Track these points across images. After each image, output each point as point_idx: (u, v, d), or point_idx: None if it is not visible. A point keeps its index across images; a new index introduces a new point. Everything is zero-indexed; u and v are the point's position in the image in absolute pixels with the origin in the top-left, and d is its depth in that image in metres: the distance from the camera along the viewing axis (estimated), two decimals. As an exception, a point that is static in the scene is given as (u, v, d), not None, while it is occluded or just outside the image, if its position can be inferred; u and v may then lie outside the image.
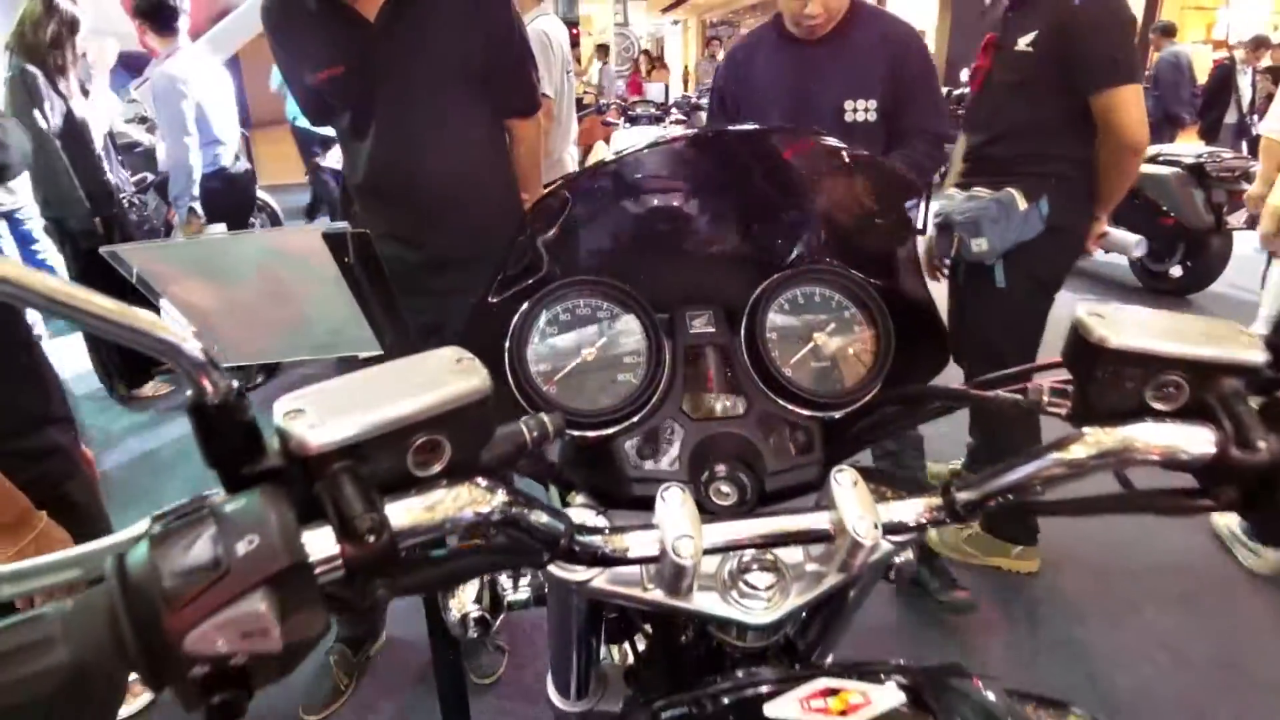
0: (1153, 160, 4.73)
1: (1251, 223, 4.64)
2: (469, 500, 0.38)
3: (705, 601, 0.48)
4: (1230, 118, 7.78)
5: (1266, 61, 7.85)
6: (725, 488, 0.55)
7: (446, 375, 0.39)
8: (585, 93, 8.66)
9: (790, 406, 0.59)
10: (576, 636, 0.60)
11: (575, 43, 7.12)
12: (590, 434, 0.57)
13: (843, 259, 0.65)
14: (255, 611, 0.31)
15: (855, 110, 1.69)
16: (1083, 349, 0.43)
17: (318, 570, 0.34)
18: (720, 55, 9.60)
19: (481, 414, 0.39)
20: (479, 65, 1.49)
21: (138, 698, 1.82)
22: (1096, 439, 0.42)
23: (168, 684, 0.31)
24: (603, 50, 12.12)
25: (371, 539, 0.34)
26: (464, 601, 0.62)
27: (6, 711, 0.29)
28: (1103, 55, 1.70)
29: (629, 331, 0.61)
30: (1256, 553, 2.14)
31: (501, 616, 0.62)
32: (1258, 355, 0.41)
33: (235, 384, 0.35)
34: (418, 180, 1.48)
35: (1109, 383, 0.42)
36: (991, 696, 0.44)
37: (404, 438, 0.37)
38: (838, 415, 0.59)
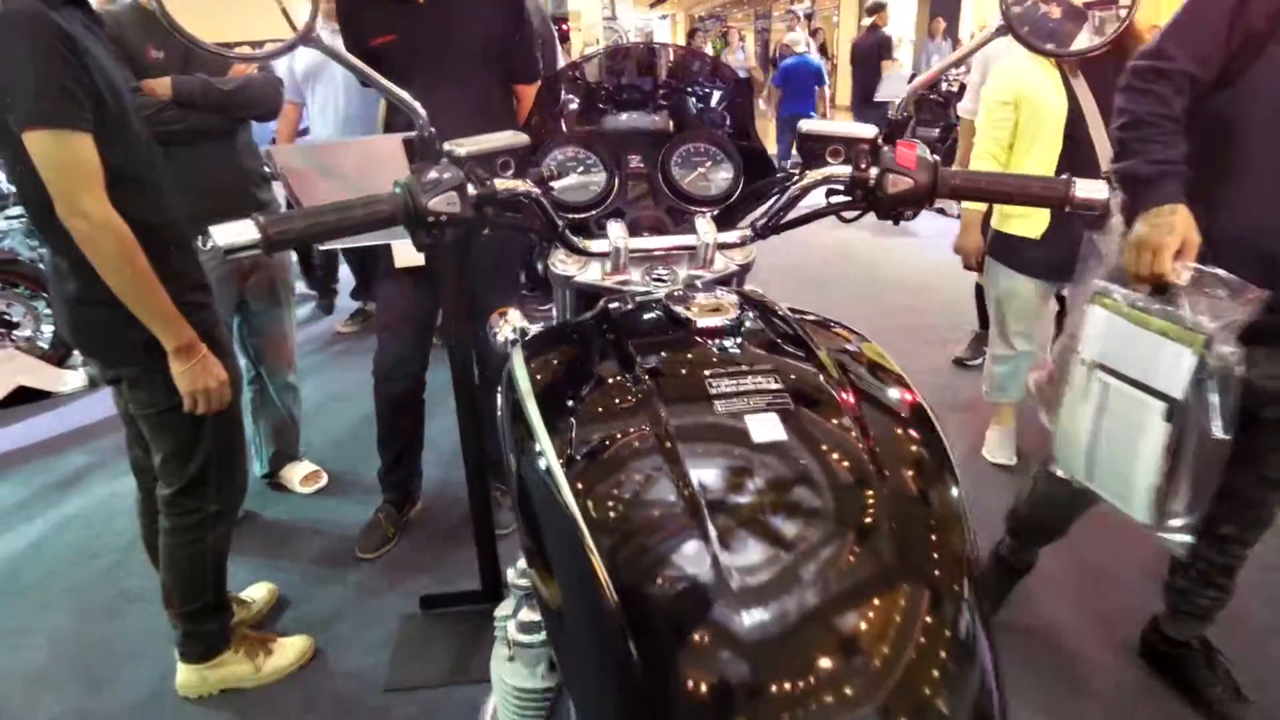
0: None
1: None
2: (523, 186, 0.84)
3: (636, 283, 0.93)
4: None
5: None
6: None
7: (511, 137, 0.86)
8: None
9: (686, 205, 1.05)
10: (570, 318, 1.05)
11: (565, 38, 7.50)
12: (576, 216, 1.03)
13: (714, 126, 1.11)
14: (451, 197, 0.77)
15: None
16: (800, 136, 0.89)
17: (469, 192, 0.79)
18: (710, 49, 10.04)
19: (526, 152, 0.85)
20: (498, 41, 1.93)
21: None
22: (810, 176, 0.88)
23: (419, 226, 0.76)
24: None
25: (487, 185, 0.80)
26: (507, 330, 1.07)
27: (371, 222, 0.75)
28: None
29: (596, 166, 1.06)
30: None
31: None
32: (873, 132, 0.87)
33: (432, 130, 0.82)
34: (446, 133, 1.93)
35: (809, 151, 0.88)
36: (781, 310, 0.87)
37: (494, 157, 0.84)
38: (716, 211, 1.05)
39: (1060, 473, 1.32)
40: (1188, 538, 1.15)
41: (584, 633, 0.59)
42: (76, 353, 3.45)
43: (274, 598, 2.00)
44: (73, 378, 3.45)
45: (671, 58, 1.13)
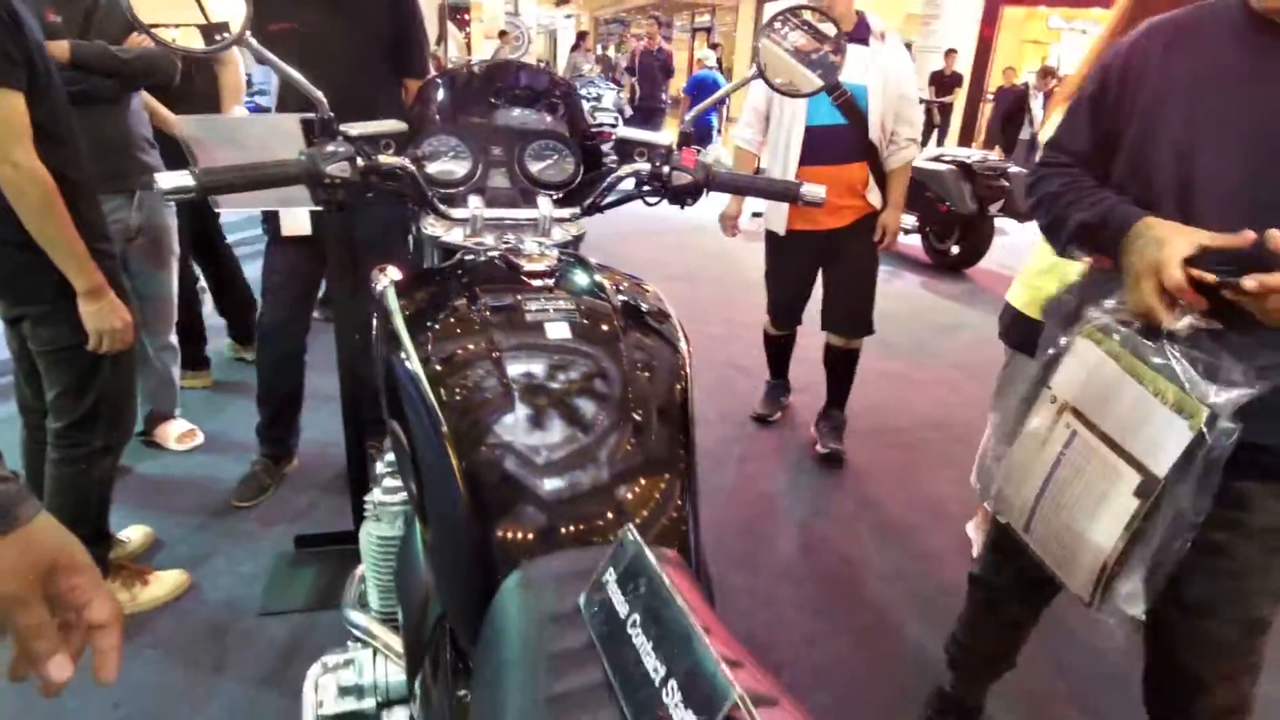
0: (935, 159, 5.85)
1: (1005, 210, 5.84)
2: (401, 162, 1.09)
3: (489, 245, 1.19)
4: (1024, 134, 9.26)
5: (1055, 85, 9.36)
6: None
7: (394, 124, 1.10)
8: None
9: (537, 188, 1.32)
10: None
11: (463, 26, 7.69)
12: (445, 190, 1.28)
13: (563, 128, 1.39)
14: (344, 166, 1.00)
15: None
16: (616, 141, 1.19)
17: (358, 163, 1.03)
18: (594, 50, 10.36)
19: (405, 137, 1.10)
20: (389, 37, 2.15)
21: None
22: (623, 169, 1.17)
23: (318, 184, 1.00)
24: (505, 35, 12.64)
25: (372, 159, 1.04)
26: (384, 280, 1.30)
27: (280, 179, 0.97)
28: None
29: (464, 153, 1.31)
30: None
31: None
32: (668, 140, 1.17)
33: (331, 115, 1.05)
34: (340, 117, 2.12)
35: (623, 151, 1.18)
36: (591, 264, 1.15)
37: (379, 139, 1.08)
38: (559, 194, 1.32)
39: (998, 516, 1.21)
40: (1137, 611, 0.99)
41: (433, 471, 0.84)
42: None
43: (149, 540, 2.12)
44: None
45: (524, 72, 1.40)
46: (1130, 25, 1.23)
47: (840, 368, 2.92)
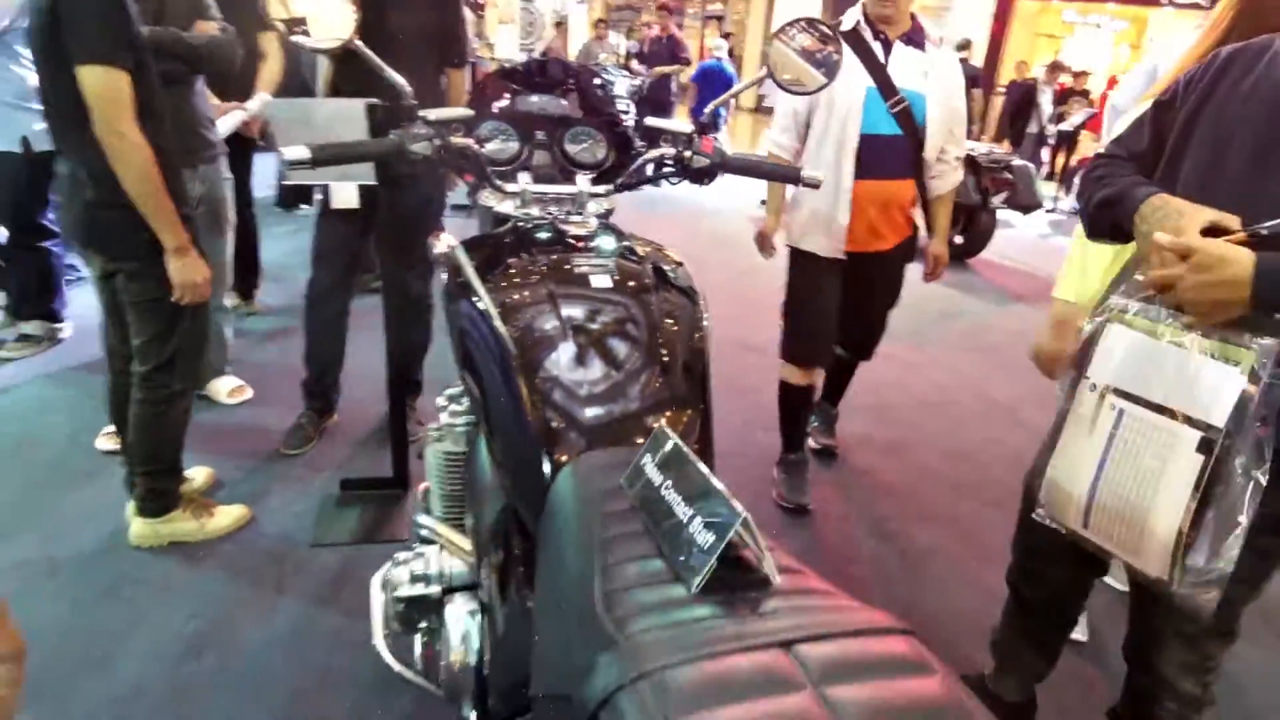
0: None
1: (1009, 203, 6.01)
2: (466, 142, 1.29)
3: (535, 214, 1.40)
4: (1032, 128, 9.38)
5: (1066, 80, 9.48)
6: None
7: (463, 111, 1.31)
8: (491, 59, 9.33)
9: (574, 168, 1.52)
10: None
11: (479, 8, 7.90)
12: (500, 167, 1.48)
13: (595, 115, 1.60)
14: (425, 145, 1.22)
15: None
16: (644, 128, 1.39)
17: (435, 142, 1.24)
18: (610, 40, 10.50)
19: (471, 122, 1.31)
20: (436, 32, 2.35)
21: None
22: (650, 153, 1.38)
23: (403, 160, 1.21)
24: (560, 26, 12.79)
25: (446, 140, 1.25)
26: (441, 245, 1.51)
27: (375, 154, 1.19)
28: None
29: (513, 137, 1.51)
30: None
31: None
32: (690, 128, 1.37)
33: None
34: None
35: (651, 137, 1.39)
36: (624, 232, 1.36)
37: (451, 123, 1.28)
38: (594, 174, 1.53)
39: (1048, 521, 1.19)
40: (1214, 593, 1.00)
41: (501, 390, 1.05)
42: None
43: (211, 479, 2.35)
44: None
45: (566, 70, 1.61)
46: (1233, 36, 1.26)
47: (843, 373, 2.85)
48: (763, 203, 4.22)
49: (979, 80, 9.73)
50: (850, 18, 2.27)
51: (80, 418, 2.64)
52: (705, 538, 0.69)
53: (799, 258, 2.43)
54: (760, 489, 2.62)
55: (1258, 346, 0.95)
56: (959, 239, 6.11)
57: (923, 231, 2.54)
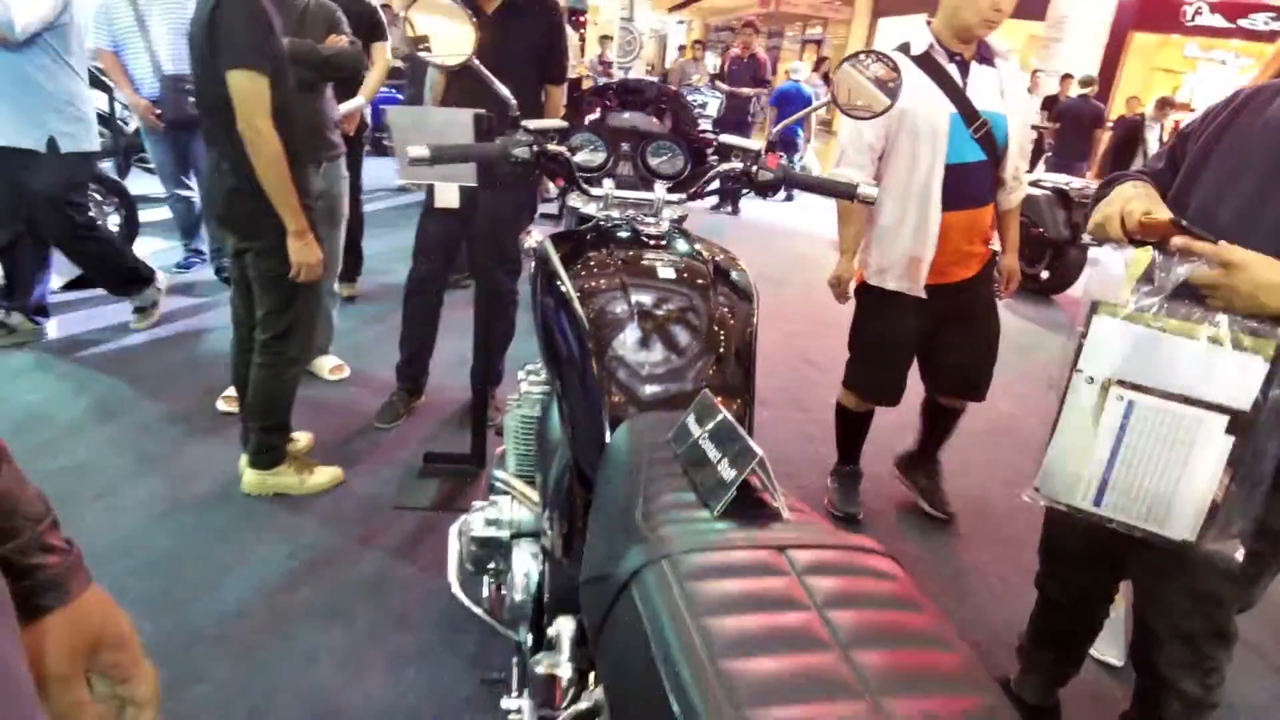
0: (1033, 184, 5.96)
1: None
2: (560, 150, 1.47)
3: (616, 217, 1.57)
4: (1137, 164, 9.07)
5: (1174, 118, 9.15)
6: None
7: (559, 123, 1.50)
8: (586, 76, 9.69)
9: (653, 177, 1.69)
10: None
11: (579, 28, 8.14)
12: (587, 174, 1.67)
13: (676, 132, 1.76)
14: (525, 151, 1.41)
15: None
16: (719, 144, 1.55)
17: (533, 149, 1.43)
18: (705, 60, 10.67)
19: (565, 133, 1.49)
20: (541, 52, 2.58)
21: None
22: (721, 166, 1.53)
23: (506, 163, 1.40)
24: (606, 40, 13.15)
25: (543, 148, 1.43)
26: (531, 240, 1.70)
27: (484, 156, 1.39)
28: None
29: (601, 147, 1.69)
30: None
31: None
32: (759, 146, 1.52)
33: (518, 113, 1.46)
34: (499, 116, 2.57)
35: (723, 153, 1.54)
36: (693, 234, 1.51)
37: (548, 133, 1.47)
38: (671, 183, 1.69)
39: (1042, 501, 1.27)
40: (1238, 546, 1.12)
41: (576, 362, 1.22)
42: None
43: (311, 443, 2.62)
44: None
45: (651, 90, 1.79)
46: None
47: (946, 422, 2.64)
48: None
49: (1102, 119, 9.48)
50: (919, 41, 2.14)
51: (203, 382, 2.97)
52: (729, 473, 0.83)
53: (873, 292, 2.34)
54: (812, 496, 2.72)
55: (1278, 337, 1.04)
56: (1044, 274, 6.02)
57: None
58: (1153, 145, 9.10)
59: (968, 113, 2.11)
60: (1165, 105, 8.93)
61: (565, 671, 0.90)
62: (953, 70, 2.13)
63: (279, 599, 1.96)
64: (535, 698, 0.92)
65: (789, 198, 8.26)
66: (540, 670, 0.90)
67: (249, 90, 1.86)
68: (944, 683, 0.56)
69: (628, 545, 0.75)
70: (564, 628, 0.93)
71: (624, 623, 0.67)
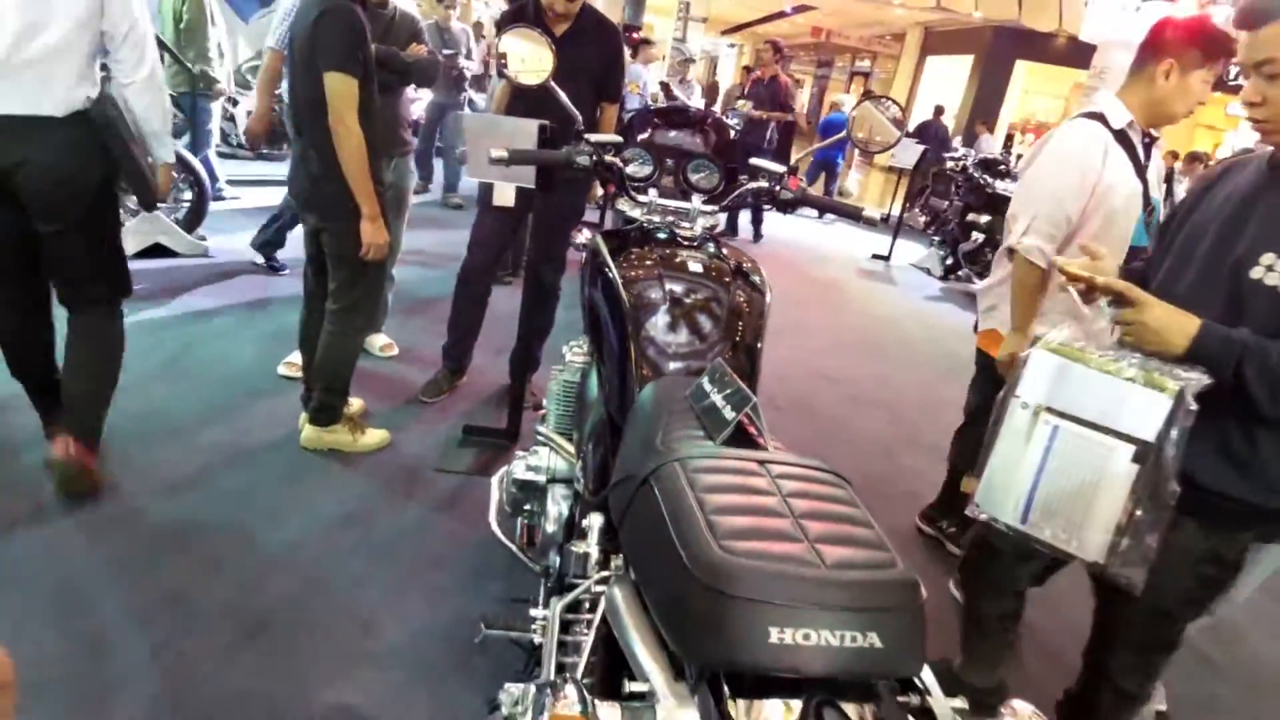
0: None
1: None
2: (614, 161, 1.73)
3: (658, 220, 1.83)
4: (1161, 215, 9.18)
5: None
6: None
7: (615, 137, 1.77)
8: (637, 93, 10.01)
9: (692, 190, 1.94)
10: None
11: (635, 45, 8.19)
12: (635, 182, 1.92)
13: (716, 153, 2.02)
14: (586, 159, 1.68)
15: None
16: (750, 166, 1.80)
17: (593, 157, 1.68)
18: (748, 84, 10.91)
19: (620, 146, 1.76)
20: (601, 74, 2.85)
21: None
22: (748, 185, 1.78)
23: (568, 168, 1.67)
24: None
25: (601, 158, 1.69)
26: (583, 236, 1.96)
27: (550, 161, 1.66)
28: None
29: (648, 161, 1.95)
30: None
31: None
32: (783, 169, 1.76)
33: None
34: (561, 129, 2.84)
35: (751, 172, 1.79)
36: (721, 240, 1.76)
37: (606, 145, 1.73)
38: (706, 196, 1.94)
39: (983, 516, 1.32)
40: (1142, 570, 1.18)
41: (616, 334, 1.46)
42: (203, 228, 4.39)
43: (363, 409, 2.89)
44: (199, 245, 4.35)
45: (694, 111, 2.05)
46: None
47: None
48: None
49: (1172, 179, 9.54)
50: (1118, 115, 1.95)
51: (265, 348, 3.27)
52: (729, 413, 1.08)
53: (989, 379, 2.21)
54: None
55: (1185, 379, 1.15)
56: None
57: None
58: (1180, 197, 9.18)
59: (1146, 197, 2.01)
60: (1195, 160, 9.05)
61: (594, 551, 1.14)
62: (1142, 152, 2.00)
63: (330, 537, 2.22)
64: (570, 572, 1.16)
65: (820, 216, 8.50)
66: (576, 550, 1.15)
67: (342, 90, 2.15)
68: (863, 543, 0.81)
69: (649, 456, 1.00)
70: (594, 521, 1.17)
71: (646, 502, 0.92)
